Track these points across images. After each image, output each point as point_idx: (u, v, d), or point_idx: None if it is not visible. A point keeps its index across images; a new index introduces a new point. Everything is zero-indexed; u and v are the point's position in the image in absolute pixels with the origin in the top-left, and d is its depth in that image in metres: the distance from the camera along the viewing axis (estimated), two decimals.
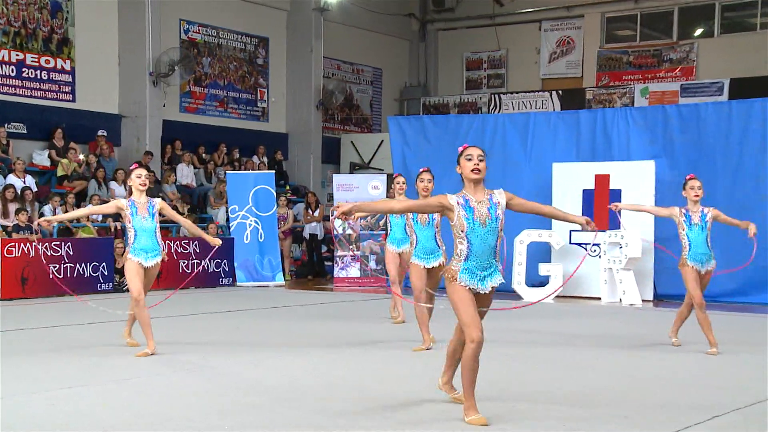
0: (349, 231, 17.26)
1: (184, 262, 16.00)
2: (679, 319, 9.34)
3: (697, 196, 8.90)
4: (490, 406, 5.90)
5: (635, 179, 14.62)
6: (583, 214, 14.88)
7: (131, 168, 8.73)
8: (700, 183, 8.97)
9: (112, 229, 16.29)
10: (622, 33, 24.97)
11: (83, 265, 14.61)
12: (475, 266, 5.62)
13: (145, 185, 8.47)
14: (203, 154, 20.78)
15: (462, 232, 5.62)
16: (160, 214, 8.57)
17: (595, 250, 14.82)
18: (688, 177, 9.07)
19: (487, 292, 5.67)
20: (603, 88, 24.03)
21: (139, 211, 8.44)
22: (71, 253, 14.44)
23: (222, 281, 16.68)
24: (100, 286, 14.80)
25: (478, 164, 5.64)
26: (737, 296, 14.22)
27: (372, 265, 17.20)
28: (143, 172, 8.53)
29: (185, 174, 19.75)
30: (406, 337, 9.50)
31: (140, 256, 8.39)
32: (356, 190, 17.49)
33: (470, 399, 5.61)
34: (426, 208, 6.35)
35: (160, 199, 8.74)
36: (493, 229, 5.64)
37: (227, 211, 17.90)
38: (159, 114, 19.72)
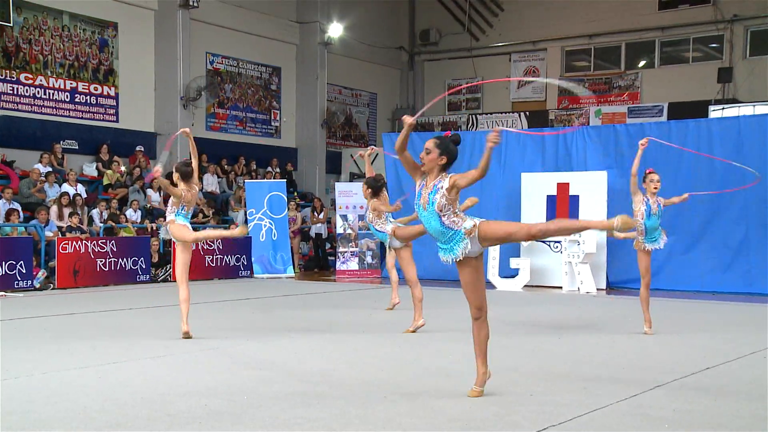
0: (349, 231, 17.26)
1: (209, 257, 15.96)
2: (645, 302, 8.78)
3: (656, 188, 8.69)
4: (460, 382, 5.87)
5: (591, 187, 14.64)
6: (547, 217, 15.10)
7: None
8: (659, 177, 8.71)
9: (149, 230, 16.25)
10: (579, 64, 25.02)
11: (125, 259, 14.57)
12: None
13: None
14: (225, 166, 20.77)
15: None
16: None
17: (557, 247, 14.84)
18: (648, 171, 8.76)
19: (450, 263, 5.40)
20: (563, 109, 24.08)
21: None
22: (115, 249, 14.40)
23: (241, 273, 16.64)
24: (139, 278, 14.75)
25: (423, 156, 5.44)
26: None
27: (368, 259, 17.20)
28: None
29: (210, 182, 19.74)
30: (396, 320, 9.46)
31: None
32: (355, 196, 17.47)
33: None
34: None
35: None
36: (432, 212, 5.36)
37: (246, 214, 17.88)
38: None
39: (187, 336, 8.09)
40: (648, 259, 8.71)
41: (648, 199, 8.71)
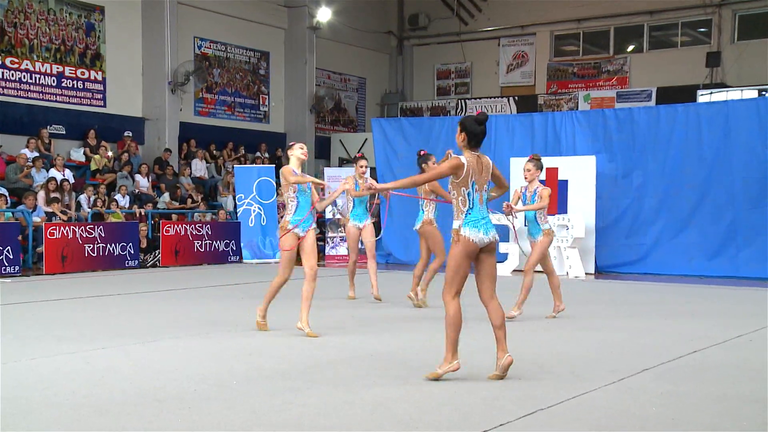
0: (338, 216, 17.22)
1: (198, 243, 15.90)
2: (526, 290, 8.69)
3: (526, 178, 8.55)
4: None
5: (580, 171, 14.66)
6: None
7: (291, 144, 7.65)
8: (530, 165, 8.51)
9: (137, 215, 16.17)
10: (568, 48, 24.98)
11: (113, 245, 14.50)
12: (475, 218, 5.40)
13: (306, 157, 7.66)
14: (214, 151, 20.70)
15: (464, 189, 5.37)
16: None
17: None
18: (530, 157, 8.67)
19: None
20: (552, 94, 24.06)
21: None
22: (103, 234, 14.33)
23: (230, 259, 16.61)
24: (127, 263, 14.69)
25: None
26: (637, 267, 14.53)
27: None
28: (304, 145, 7.66)
29: (199, 168, 19.66)
30: (381, 309, 9.46)
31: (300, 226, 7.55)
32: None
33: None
34: (441, 175, 5.54)
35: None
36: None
37: (234, 199, 17.84)
38: (176, 117, 19.61)
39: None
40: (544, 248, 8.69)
41: (525, 189, 8.61)
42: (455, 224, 5.40)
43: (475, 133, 5.42)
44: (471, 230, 5.33)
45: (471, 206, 5.35)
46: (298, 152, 7.48)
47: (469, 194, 5.36)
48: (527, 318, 8.72)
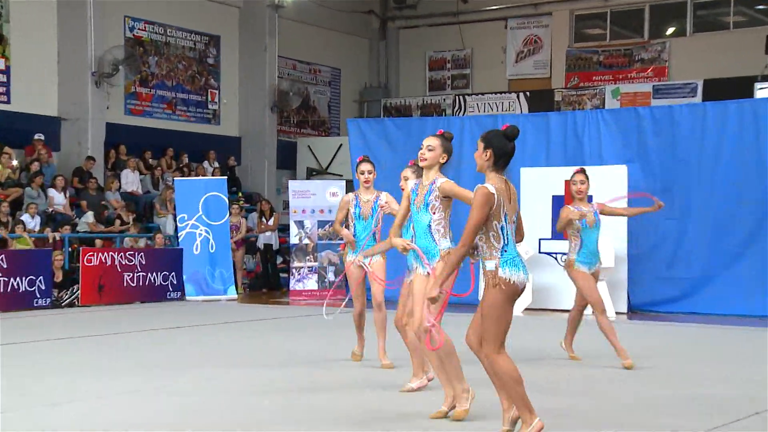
0: (306, 241, 17.13)
1: (128, 275, 15.72)
2: (572, 326, 9.16)
3: (580, 191, 8.83)
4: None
5: (607, 185, 14.54)
6: (553, 221, 15.01)
7: (358, 160, 8.58)
8: (583, 177, 8.88)
9: (51, 240, 15.97)
10: (592, 32, 25.09)
11: (19, 279, 14.25)
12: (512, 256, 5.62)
13: (369, 181, 8.41)
14: (149, 159, 20.57)
15: (497, 222, 5.47)
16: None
17: (565, 260, 14.74)
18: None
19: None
20: (573, 89, 24.12)
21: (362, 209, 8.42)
22: (5, 265, 14.08)
23: (170, 295, 16.42)
24: (36, 302, 14.45)
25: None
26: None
27: (330, 276, 17.09)
28: (368, 166, 8.43)
29: (130, 180, 19.50)
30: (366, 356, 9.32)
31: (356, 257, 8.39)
32: (313, 198, 17.39)
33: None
34: (481, 220, 5.52)
35: (386, 194, 8.54)
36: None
37: (175, 220, 17.68)
38: (102, 116, 19.49)
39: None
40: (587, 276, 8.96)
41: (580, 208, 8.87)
42: (489, 265, 5.43)
43: (505, 151, 5.56)
44: (512, 270, 5.41)
45: (506, 242, 5.47)
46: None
47: (502, 228, 5.47)
48: (542, 366, 8.58)
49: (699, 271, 14.58)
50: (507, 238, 5.45)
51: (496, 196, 5.40)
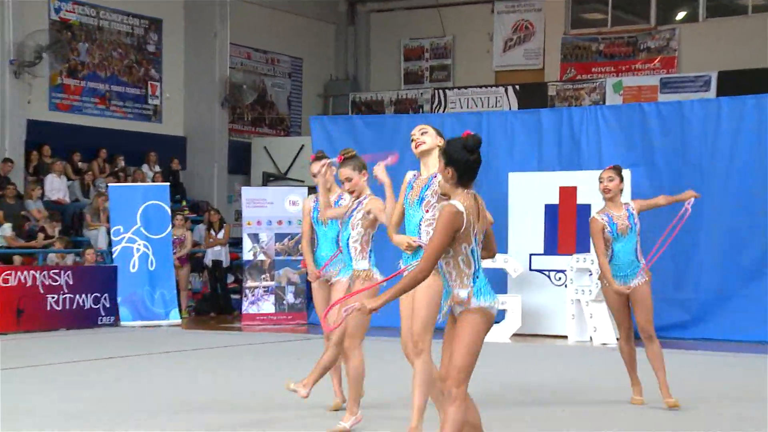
0: (261, 257, 17.07)
1: (53, 297, 15.60)
2: (629, 363, 8.82)
3: (607, 190, 8.62)
4: None
5: None
6: (546, 234, 15.08)
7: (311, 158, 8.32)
8: (612, 173, 8.65)
9: None
10: (591, 16, 25.23)
11: None
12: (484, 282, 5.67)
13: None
14: (79, 162, 20.51)
15: (466, 245, 5.44)
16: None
17: (560, 278, 14.80)
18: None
19: None
20: (568, 82, 24.23)
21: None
22: None
23: (102, 320, 16.30)
24: None
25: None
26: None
27: (289, 298, 17.04)
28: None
29: (56, 187, 19.43)
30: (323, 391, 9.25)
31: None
32: (270, 207, 17.34)
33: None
34: (445, 243, 5.57)
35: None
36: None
37: (109, 233, 17.59)
38: (22, 112, 19.51)
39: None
40: (617, 298, 8.69)
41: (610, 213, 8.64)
42: (461, 294, 5.40)
43: (469, 165, 5.46)
44: (485, 298, 5.41)
45: (477, 267, 5.45)
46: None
47: (473, 251, 5.43)
48: (532, 404, 8.56)
49: (711, 292, 14.64)
50: (478, 263, 5.44)
51: (465, 215, 5.34)
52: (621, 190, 8.70)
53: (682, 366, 11.77)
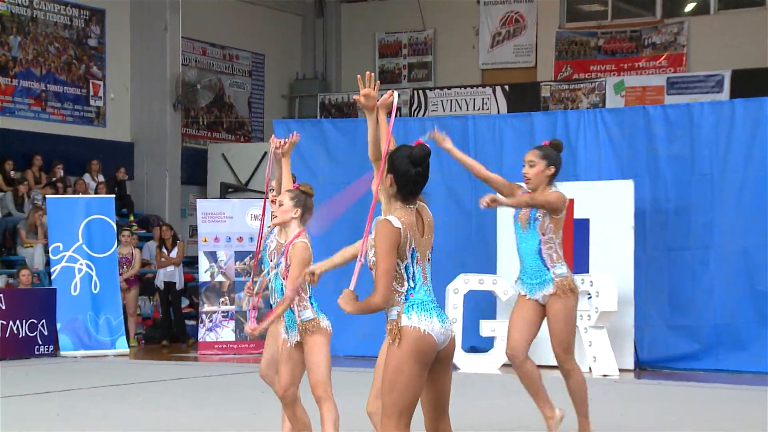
0: (219, 278, 17.08)
1: None
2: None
3: (527, 179, 8.19)
4: None
5: (608, 205, 14.74)
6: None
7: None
8: (532, 157, 8.21)
9: None
10: (589, 8, 25.36)
11: None
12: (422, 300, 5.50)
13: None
14: (11, 172, 20.42)
15: (400, 261, 5.43)
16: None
17: None
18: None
19: None
20: (564, 82, 24.30)
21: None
22: None
23: (39, 349, 16.24)
24: None
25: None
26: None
27: (251, 324, 17.00)
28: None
29: None
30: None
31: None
32: (229, 222, 17.34)
33: None
34: (390, 262, 5.51)
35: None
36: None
37: (47, 252, 17.57)
38: None
39: None
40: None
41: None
42: (391, 313, 5.39)
43: (408, 178, 5.45)
44: (420, 316, 5.32)
45: (413, 285, 5.41)
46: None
47: (407, 268, 5.42)
48: None
49: (724, 317, 14.70)
50: (416, 280, 5.42)
51: (402, 230, 5.36)
52: (550, 179, 8.19)
53: (695, 401, 11.86)
